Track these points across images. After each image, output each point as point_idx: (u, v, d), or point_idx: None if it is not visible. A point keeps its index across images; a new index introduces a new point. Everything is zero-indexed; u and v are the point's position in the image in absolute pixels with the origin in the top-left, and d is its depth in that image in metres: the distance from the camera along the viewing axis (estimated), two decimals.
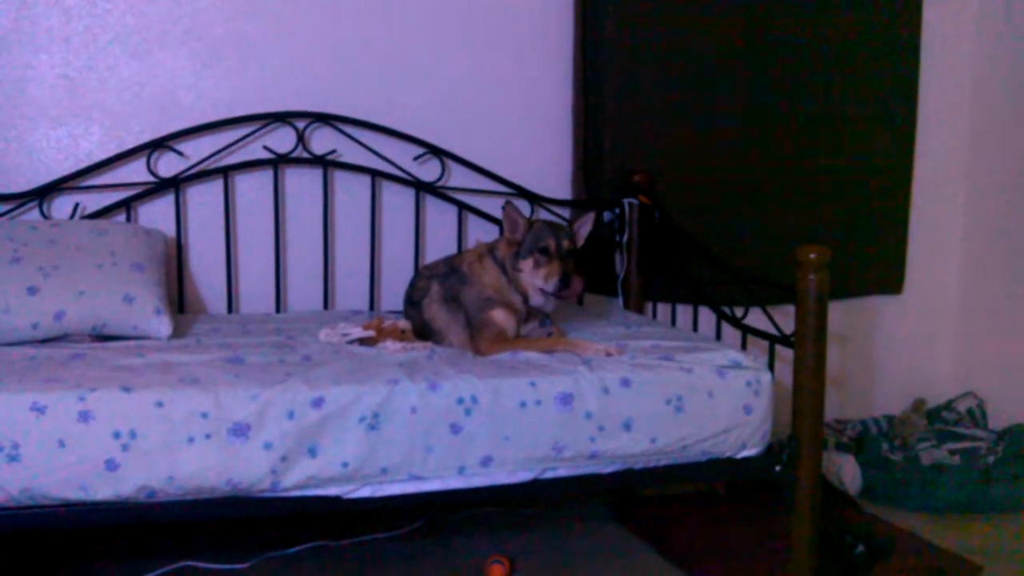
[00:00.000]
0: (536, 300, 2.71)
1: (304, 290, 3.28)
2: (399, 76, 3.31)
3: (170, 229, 3.12)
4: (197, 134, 3.12)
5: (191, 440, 2.10)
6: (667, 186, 3.45)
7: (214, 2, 3.13)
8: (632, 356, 2.55)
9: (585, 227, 2.79)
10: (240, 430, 2.13)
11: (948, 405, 3.86)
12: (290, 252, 3.27)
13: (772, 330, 2.67)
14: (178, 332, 2.73)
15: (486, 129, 3.41)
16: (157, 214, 3.13)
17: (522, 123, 3.46)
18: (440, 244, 3.36)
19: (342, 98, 3.23)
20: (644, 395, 2.40)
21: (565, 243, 2.68)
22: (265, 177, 3.21)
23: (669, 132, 3.49)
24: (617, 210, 3.41)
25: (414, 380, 2.27)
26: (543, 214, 3.36)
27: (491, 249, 2.79)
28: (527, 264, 2.68)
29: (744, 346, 2.78)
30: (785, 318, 2.65)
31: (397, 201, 3.34)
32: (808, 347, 2.49)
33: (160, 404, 2.10)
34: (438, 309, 2.75)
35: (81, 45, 3.04)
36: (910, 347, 4.02)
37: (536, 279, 2.67)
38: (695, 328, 3.15)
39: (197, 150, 3.12)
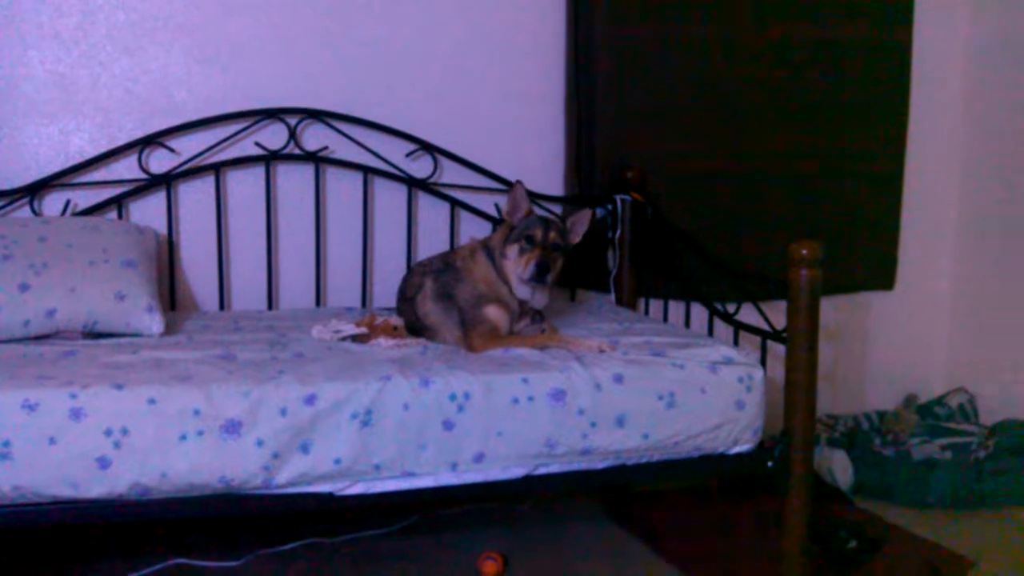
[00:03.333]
0: (521, 292, 2.72)
1: (296, 287, 3.28)
2: (391, 72, 3.31)
3: (162, 226, 3.11)
4: (189, 130, 3.11)
5: (183, 437, 2.10)
6: (659, 182, 3.46)
7: None
8: (624, 352, 2.55)
9: (582, 224, 2.80)
10: (232, 427, 2.13)
11: (939, 400, 3.87)
12: (282, 249, 3.26)
13: (764, 326, 2.68)
14: (170, 329, 2.72)
15: (478, 125, 3.41)
16: (149, 211, 3.12)
17: (514, 119, 3.45)
18: (432, 241, 3.35)
19: (334, 94, 3.23)
20: (636, 391, 2.41)
21: (552, 235, 2.70)
22: (257, 174, 3.20)
23: (662, 128, 3.49)
24: (609, 206, 3.42)
25: (406, 376, 2.27)
26: (535, 210, 3.35)
27: (485, 243, 2.80)
28: (513, 250, 2.70)
29: (736, 342, 2.78)
30: (777, 314, 2.66)
31: (389, 197, 3.34)
32: (800, 343, 2.50)
33: (152, 401, 2.09)
34: (432, 305, 2.75)
35: (72, 41, 3.03)
36: (902, 343, 4.03)
37: (518, 266, 2.68)
38: (687, 324, 3.15)
39: (189, 147, 3.11)
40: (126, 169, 3.08)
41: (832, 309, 3.81)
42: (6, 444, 2.01)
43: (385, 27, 3.29)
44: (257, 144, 3.16)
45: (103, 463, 2.06)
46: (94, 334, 2.61)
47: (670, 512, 3.16)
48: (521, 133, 3.46)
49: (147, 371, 2.23)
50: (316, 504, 2.25)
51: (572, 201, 3.43)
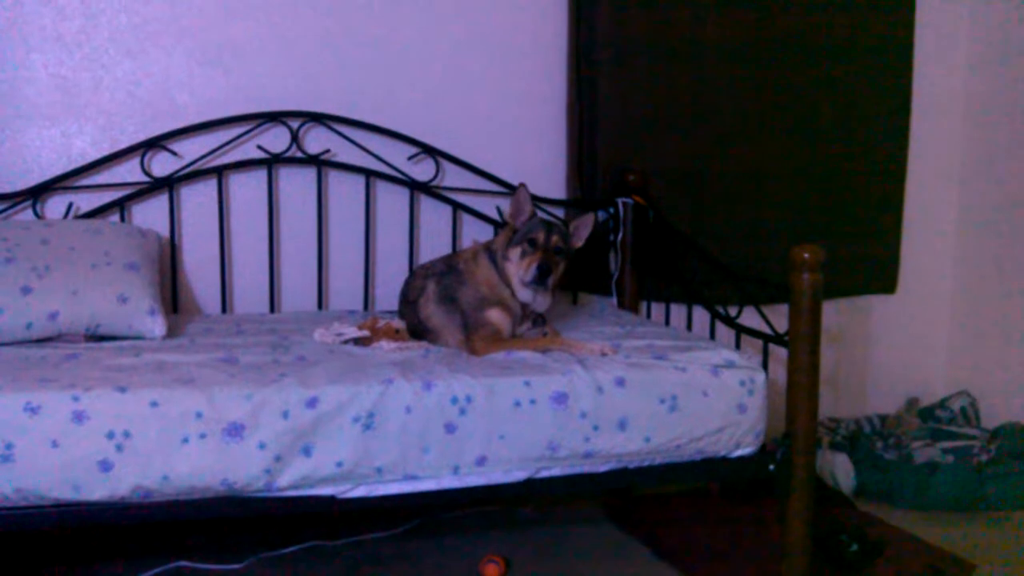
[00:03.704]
0: (523, 295, 2.72)
1: (298, 290, 3.28)
2: (393, 76, 3.31)
3: (164, 229, 3.12)
4: (191, 134, 3.11)
5: (185, 440, 2.10)
6: (661, 185, 3.46)
7: (208, 1, 3.13)
8: (626, 355, 2.55)
9: (585, 228, 2.81)
10: (235, 430, 2.13)
11: (941, 404, 3.87)
12: (284, 252, 3.27)
13: (766, 329, 2.68)
14: (172, 332, 2.73)
15: (480, 128, 3.41)
16: (151, 214, 3.12)
17: (516, 122, 3.46)
18: (434, 244, 3.35)
19: (336, 97, 3.23)
20: (638, 394, 2.41)
21: (555, 239, 2.70)
22: (259, 177, 3.20)
23: (663, 132, 3.49)
24: (611, 209, 3.42)
25: (408, 379, 2.27)
26: (538, 213, 3.35)
27: (488, 246, 2.80)
28: (515, 253, 2.70)
29: (738, 345, 2.78)
30: (779, 317, 2.66)
31: (391, 200, 3.34)
32: (802, 346, 2.50)
33: (154, 404, 2.09)
34: (434, 308, 2.75)
35: (75, 44, 3.03)
36: (903, 346, 4.03)
37: (520, 269, 2.68)
38: (689, 327, 3.15)
39: (191, 150, 3.12)
40: (128, 172, 3.08)
41: (834, 312, 3.81)
42: (8, 446, 2.01)
43: (386, 29, 3.29)
44: (259, 147, 3.16)
45: (105, 466, 2.06)
46: (96, 337, 2.61)
47: (672, 515, 3.16)
48: (522, 136, 3.47)
49: (149, 374, 2.24)
50: (318, 507, 2.25)
51: (574, 204, 3.43)
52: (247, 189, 3.21)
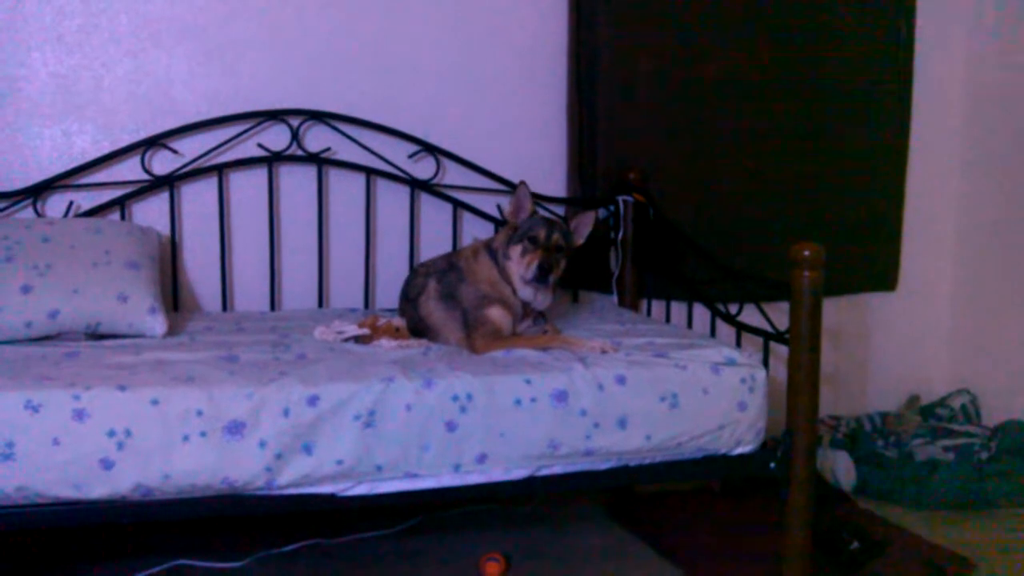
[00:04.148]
0: (524, 293, 2.72)
1: (299, 288, 3.28)
2: (394, 74, 3.31)
3: (164, 227, 3.12)
4: (191, 132, 3.11)
5: (186, 438, 2.10)
6: (662, 183, 3.46)
7: (209, 1, 3.13)
8: (627, 353, 2.55)
9: (585, 227, 2.81)
10: (235, 428, 2.13)
11: (942, 401, 3.87)
12: (285, 250, 3.27)
13: (767, 327, 2.68)
14: (173, 330, 2.73)
15: (481, 126, 3.41)
16: (151, 212, 3.12)
17: (517, 120, 3.45)
18: (435, 242, 3.35)
19: (337, 96, 3.23)
20: (639, 392, 2.41)
21: (555, 236, 2.70)
22: (259, 175, 3.20)
23: (663, 130, 3.49)
24: (612, 207, 3.42)
25: (409, 378, 2.27)
26: (539, 211, 3.35)
27: (488, 243, 2.80)
28: (516, 251, 2.70)
29: (739, 343, 2.78)
30: (779, 315, 2.66)
31: (392, 199, 3.34)
32: (802, 344, 2.50)
33: (155, 402, 2.09)
34: (434, 306, 2.75)
35: (75, 43, 3.03)
36: (904, 344, 4.03)
37: (520, 267, 2.68)
38: (690, 325, 3.15)
39: (191, 148, 3.12)
40: (129, 170, 3.08)
41: (834, 310, 3.80)
42: (9, 445, 2.01)
43: (388, 29, 3.29)
44: (260, 145, 3.16)
45: (106, 464, 2.06)
46: (97, 335, 2.62)
47: (673, 513, 3.16)
48: (523, 134, 3.47)
49: (150, 372, 2.24)
50: (318, 505, 2.25)
51: (574, 202, 3.43)
52: (247, 187, 3.21)
